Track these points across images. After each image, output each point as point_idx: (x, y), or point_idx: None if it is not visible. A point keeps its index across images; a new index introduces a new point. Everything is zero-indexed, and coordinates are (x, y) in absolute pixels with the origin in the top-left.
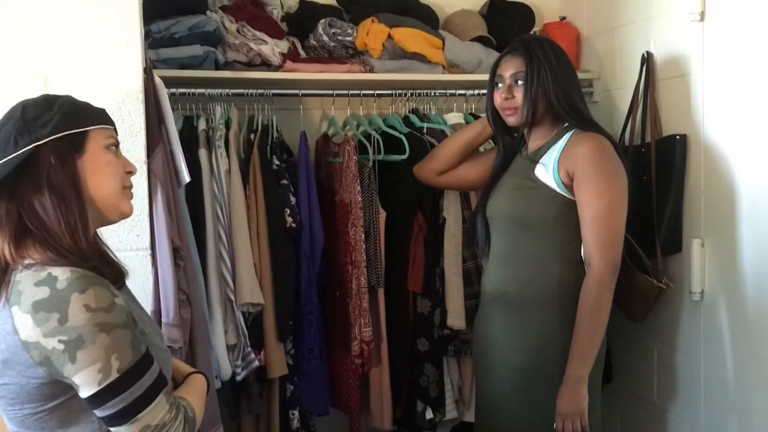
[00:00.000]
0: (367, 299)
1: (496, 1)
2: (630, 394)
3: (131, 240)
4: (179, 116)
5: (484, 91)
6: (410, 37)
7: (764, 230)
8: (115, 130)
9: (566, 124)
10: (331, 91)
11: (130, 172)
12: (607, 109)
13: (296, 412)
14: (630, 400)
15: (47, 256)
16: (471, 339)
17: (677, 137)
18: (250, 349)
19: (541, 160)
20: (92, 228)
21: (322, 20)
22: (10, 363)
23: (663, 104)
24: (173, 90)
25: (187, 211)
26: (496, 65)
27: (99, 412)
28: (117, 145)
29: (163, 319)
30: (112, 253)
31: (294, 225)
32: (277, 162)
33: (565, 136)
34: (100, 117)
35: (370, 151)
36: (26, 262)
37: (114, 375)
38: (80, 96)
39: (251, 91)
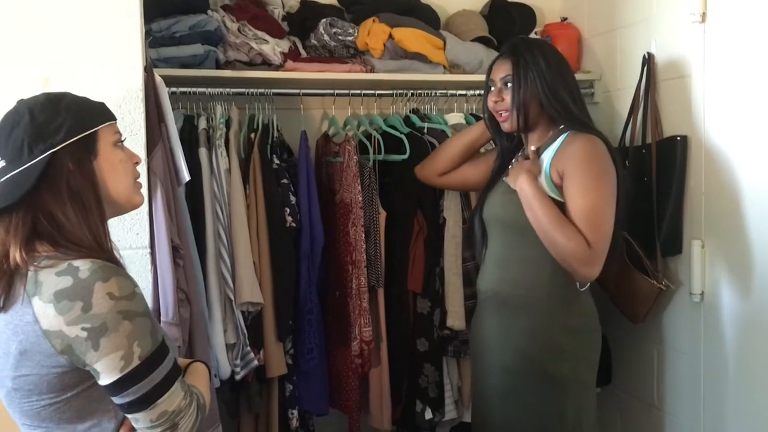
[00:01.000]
0: (367, 299)
1: (498, 2)
2: (630, 396)
3: (131, 238)
4: (180, 115)
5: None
6: (411, 37)
7: (765, 231)
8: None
9: (561, 126)
10: (331, 91)
11: (137, 163)
12: (608, 110)
13: (295, 412)
14: (630, 401)
15: (63, 252)
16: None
17: (678, 138)
18: (249, 348)
19: None
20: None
21: (323, 20)
22: (29, 354)
23: (664, 105)
24: (174, 89)
25: (187, 210)
26: (490, 69)
27: (118, 399)
28: (123, 139)
29: (162, 318)
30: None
31: (294, 224)
32: (277, 161)
33: (559, 138)
34: (105, 114)
35: (371, 150)
36: (40, 259)
37: (135, 362)
38: (82, 93)
39: (252, 90)
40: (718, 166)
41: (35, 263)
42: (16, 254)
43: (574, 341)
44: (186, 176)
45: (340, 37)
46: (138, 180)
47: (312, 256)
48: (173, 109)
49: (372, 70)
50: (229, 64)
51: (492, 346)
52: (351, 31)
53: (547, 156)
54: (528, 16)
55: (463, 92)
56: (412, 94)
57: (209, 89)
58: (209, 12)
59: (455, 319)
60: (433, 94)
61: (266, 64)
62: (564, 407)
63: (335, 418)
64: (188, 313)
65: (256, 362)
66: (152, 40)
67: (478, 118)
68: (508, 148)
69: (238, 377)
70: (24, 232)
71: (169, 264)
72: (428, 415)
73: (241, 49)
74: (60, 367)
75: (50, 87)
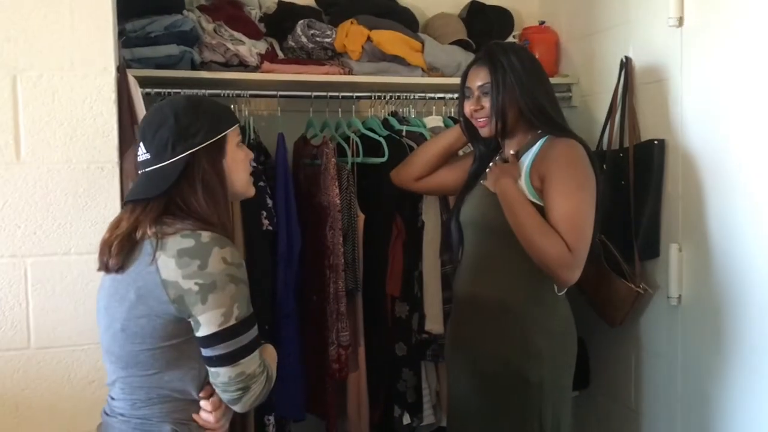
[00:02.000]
0: (344, 303)
1: (476, 5)
2: (607, 399)
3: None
4: None
5: None
6: (390, 40)
7: (741, 235)
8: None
9: (539, 131)
10: (309, 93)
11: (250, 160)
12: (585, 113)
13: (272, 418)
14: (607, 405)
15: (187, 224)
16: None
17: (655, 142)
18: None
19: None
20: None
21: (301, 21)
22: (144, 299)
23: (641, 109)
24: (149, 90)
25: None
26: (465, 75)
27: (209, 351)
28: (243, 140)
29: None
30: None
31: (270, 227)
32: (253, 164)
33: (538, 143)
34: (232, 118)
35: (349, 153)
36: (167, 228)
37: (232, 321)
38: (51, 94)
39: (228, 92)
40: (696, 169)
41: (162, 231)
42: (146, 228)
43: (552, 345)
44: None
45: (317, 39)
46: (251, 174)
47: (289, 260)
48: (148, 110)
49: (350, 72)
50: (204, 65)
51: (468, 350)
52: (329, 32)
53: (526, 160)
54: (506, 19)
55: (442, 95)
56: (391, 97)
57: (185, 90)
58: (185, 12)
59: (434, 323)
60: (411, 97)
61: (243, 65)
62: (542, 411)
63: (312, 424)
64: None
65: None
66: (127, 40)
67: (456, 122)
68: (486, 152)
69: None
70: (156, 213)
71: None
72: (406, 420)
73: (217, 50)
74: (168, 315)
75: (19, 86)
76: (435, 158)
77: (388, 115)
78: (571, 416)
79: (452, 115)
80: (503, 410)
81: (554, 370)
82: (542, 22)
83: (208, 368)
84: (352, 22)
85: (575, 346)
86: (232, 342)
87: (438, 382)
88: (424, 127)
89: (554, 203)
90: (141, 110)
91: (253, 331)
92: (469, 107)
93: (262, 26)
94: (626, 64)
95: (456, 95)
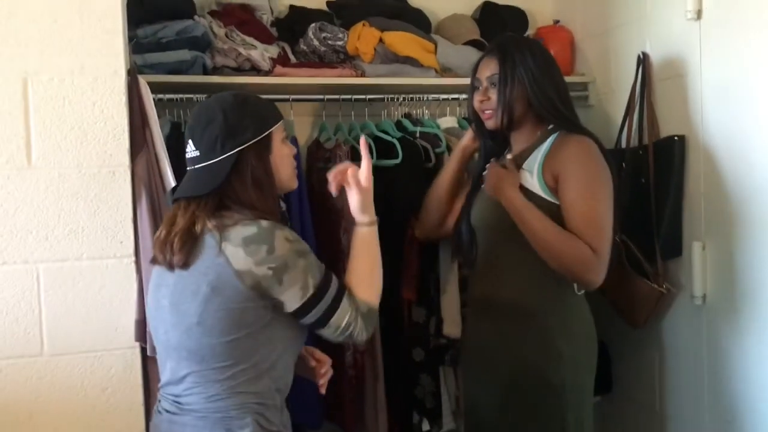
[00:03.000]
0: None
1: (489, 6)
2: (631, 404)
3: (114, 247)
4: (167, 122)
5: None
6: (402, 41)
7: (766, 232)
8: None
9: (550, 126)
10: (322, 97)
11: (294, 155)
12: (603, 112)
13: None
14: (631, 409)
15: (244, 215)
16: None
17: (676, 138)
18: None
19: (524, 165)
20: None
21: (313, 24)
22: (220, 290)
23: (660, 105)
24: (161, 96)
25: None
26: (476, 67)
27: (304, 320)
28: (287, 135)
29: (148, 328)
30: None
31: None
32: None
33: (549, 139)
34: (277, 114)
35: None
36: (225, 220)
37: (311, 290)
38: (62, 98)
39: None
40: (718, 165)
41: (222, 223)
42: (205, 222)
43: (573, 346)
44: (172, 182)
45: (329, 42)
46: (295, 168)
47: None
48: (160, 116)
49: (362, 75)
50: (216, 70)
51: (485, 354)
52: (341, 35)
53: (537, 157)
54: (520, 19)
55: (456, 96)
56: (404, 99)
57: (197, 96)
58: (196, 17)
59: (452, 327)
60: (424, 99)
61: (255, 69)
62: (564, 414)
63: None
64: None
65: None
66: (139, 45)
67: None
68: (493, 148)
69: None
70: (212, 207)
71: None
72: (426, 426)
73: (229, 55)
74: (246, 302)
75: (30, 90)
76: (445, 193)
77: (402, 116)
78: (594, 421)
79: (466, 116)
80: (524, 414)
81: (576, 372)
82: (557, 21)
83: (315, 331)
84: (363, 24)
85: (596, 347)
86: (317, 308)
87: (457, 388)
88: (438, 128)
89: (572, 204)
90: (152, 114)
91: (332, 288)
92: (476, 99)
93: (273, 30)
94: (644, 60)
95: None
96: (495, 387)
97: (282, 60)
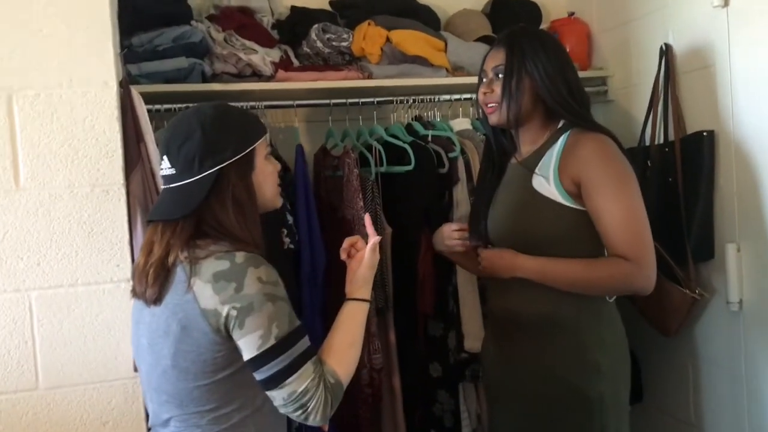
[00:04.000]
0: (375, 323)
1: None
2: (663, 414)
3: (110, 271)
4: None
5: None
6: (410, 40)
7: None
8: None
9: (560, 125)
10: (327, 101)
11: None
12: (623, 107)
13: None
14: (663, 420)
15: (221, 245)
16: None
17: (704, 134)
18: None
19: (537, 170)
20: None
21: (315, 25)
22: (189, 330)
23: (686, 99)
24: (158, 106)
25: None
26: (483, 60)
27: (257, 375)
28: (271, 150)
29: None
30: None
31: (292, 246)
32: None
33: (561, 138)
34: (261, 128)
35: (372, 163)
36: (199, 251)
37: (271, 341)
38: (50, 113)
39: (242, 104)
40: (751, 161)
41: (195, 255)
42: (178, 252)
43: (609, 356)
44: None
45: (333, 43)
46: (279, 186)
47: (314, 280)
48: (158, 128)
49: (370, 77)
50: (216, 77)
51: (512, 369)
52: (345, 36)
53: (551, 160)
54: (533, 12)
55: (468, 96)
56: (414, 101)
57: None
58: (193, 23)
59: (474, 340)
60: (435, 100)
61: (256, 75)
62: (603, 429)
63: None
64: None
65: None
66: (133, 54)
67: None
68: (501, 148)
69: None
70: (188, 234)
71: None
72: None
73: (228, 61)
74: (214, 346)
75: (15, 105)
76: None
77: (412, 119)
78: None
79: (480, 116)
80: (559, 431)
81: (613, 384)
82: (572, 14)
83: (265, 391)
84: (369, 24)
85: (629, 356)
86: (274, 363)
87: (478, 405)
88: (451, 130)
89: (604, 210)
90: (147, 127)
91: (300, 346)
92: (481, 91)
93: (274, 33)
94: (666, 52)
95: None
96: (525, 404)
97: (284, 64)
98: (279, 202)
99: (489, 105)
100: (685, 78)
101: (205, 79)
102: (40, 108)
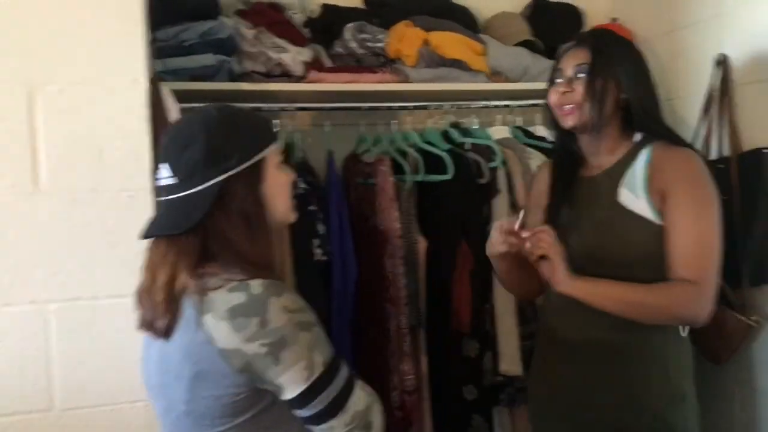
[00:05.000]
0: (408, 342)
1: (541, 2)
2: None
3: (133, 284)
4: None
5: (531, 102)
6: (450, 42)
7: None
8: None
9: (640, 137)
10: (361, 104)
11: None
12: (671, 120)
13: None
14: None
15: (232, 272)
16: (528, 386)
17: (765, 151)
18: None
19: (622, 183)
20: None
21: (350, 25)
22: (205, 375)
23: (743, 113)
24: (183, 105)
25: None
26: (557, 60)
27: (307, 411)
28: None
29: None
30: None
31: (324, 257)
32: (303, 185)
33: (644, 152)
34: (271, 134)
35: (408, 170)
36: (208, 280)
37: (320, 369)
38: (74, 111)
39: (272, 105)
40: None
41: (204, 285)
42: (186, 280)
43: (691, 383)
44: None
45: (368, 44)
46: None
47: (344, 294)
48: None
49: (406, 80)
50: (245, 76)
51: (580, 399)
52: (380, 36)
53: (637, 173)
54: (574, 17)
55: (507, 103)
56: (451, 106)
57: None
58: (221, 18)
59: (510, 363)
60: (473, 106)
61: (286, 75)
62: None
63: None
64: None
65: None
66: (158, 49)
67: (525, 132)
68: (570, 161)
69: None
70: (195, 255)
71: None
72: None
73: (258, 59)
74: (237, 387)
75: (34, 103)
76: (517, 279)
77: (449, 126)
78: None
79: (519, 124)
80: None
81: (697, 413)
82: (615, 19)
83: (316, 427)
84: (406, 24)
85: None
86: (329, 391)
87: (513, 430)
88: (490, 138)
89: (680, 228)
90: None
91: (344, 366)
92: (557, 91)
93: (306, 32)
94: (723, 63)
95: (524, 102)
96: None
97: (316, 64)
98: (292, 217)
99: (566, 106)
100: (743, 90)
101: (232, 78)
102: (64, 105)
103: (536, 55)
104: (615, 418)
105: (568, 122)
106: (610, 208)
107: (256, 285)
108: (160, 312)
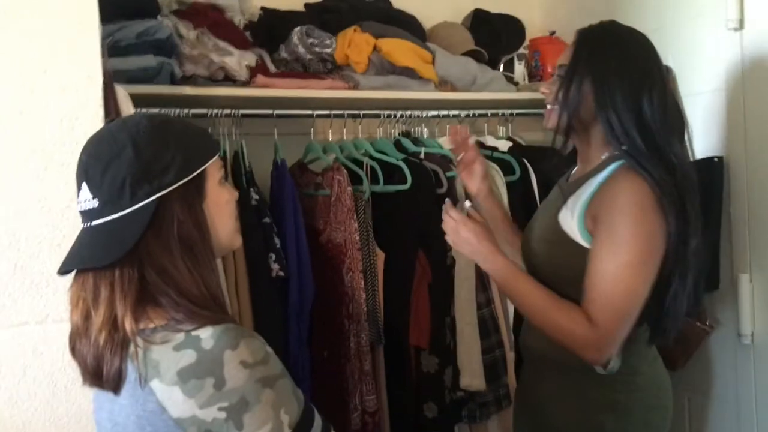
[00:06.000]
0: (369, 361)
1: (481, 14)
2: None
3: None
4: None
5: (481, 112)
6: (400, 50)
7: None
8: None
9: (605, 154)
10: (311, 112)
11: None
12: None
13: None
14: None
15: (176, 318)
16: (490, 401)
17: (714, 159)
18: None
19: (569, 199)
20: None
21: (298, 28)
22: None
23: (693, 123)
24: None
25: None
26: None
27: None
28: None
29: None
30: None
31: (282, 273)
32: (256, 197)
33: (607, 170)
34: (212, 145)
35: (366, 180)
36: (149, 331)
37: (287, 430)
38: (17, 112)
39: (216, 111)
40: (764, 190)
41: (145, 336)
42: (126, 320)
43: (667, 397)
44: None
45: (316, 49)
46: (237, 219)
47: (301, 311)
48: None
49: (356, 87)
50: (187, 80)
51: (552, 411)
52: (329, 42)
53: (585, 193)
54: (515, 28)
55: (456, 112)
56: (401, 115)
57: (164, 110)
58: (159, 17)
59: (472, 377)
60: (423, 115)
61: (230, 79)
62: None
63: None
64: None
65: None
66: None
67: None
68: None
69: None
70: (133, 292)
71: None
72: None
73: (200, 62)
74: None
75: None
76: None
77: (400, 135)
78: None
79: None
80: None
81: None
82: (553, 33)
83: None
84: (355, 30)
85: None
86: None
87: None
88: (443, 148)
89: (595, 261)
90: None
91: (317, 420)
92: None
93: (247, 35)
94: (668, 74)
95: (473, 112)
96: None
97: (261, 69)
98: (238, 242)
99: (547, 106)
100: (691, 101)
101: (174, 81)
102: (6, 106)
103: (482, 65)
104: (564, 426)
105: (546, 123)
106: (549, 221)
107: (207, 338)
108: (107, 354)
